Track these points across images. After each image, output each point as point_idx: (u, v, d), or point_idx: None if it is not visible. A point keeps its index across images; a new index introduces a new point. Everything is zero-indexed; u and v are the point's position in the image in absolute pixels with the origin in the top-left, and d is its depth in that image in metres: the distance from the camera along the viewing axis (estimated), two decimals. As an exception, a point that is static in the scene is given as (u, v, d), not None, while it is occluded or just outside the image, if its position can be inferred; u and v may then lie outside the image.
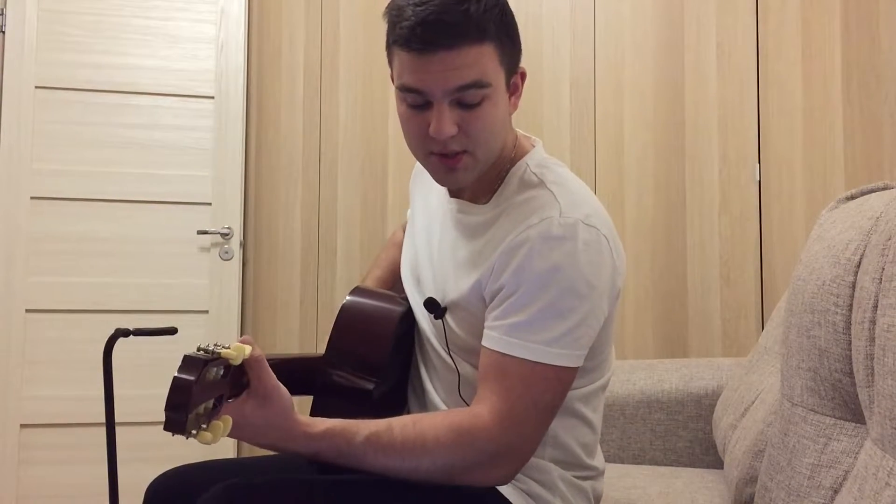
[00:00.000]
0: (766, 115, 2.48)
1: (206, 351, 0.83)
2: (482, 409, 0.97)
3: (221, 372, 0.85)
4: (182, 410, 0.78)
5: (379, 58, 2.71)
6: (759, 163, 2.47)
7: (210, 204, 2.61)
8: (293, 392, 1.08)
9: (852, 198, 1.05)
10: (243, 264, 2.69)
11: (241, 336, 2.62)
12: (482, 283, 1.04)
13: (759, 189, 2.47)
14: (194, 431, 0.82)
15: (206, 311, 2.59)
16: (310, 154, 2.74)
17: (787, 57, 2.47)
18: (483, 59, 0.98)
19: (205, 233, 2.59)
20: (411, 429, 0.96)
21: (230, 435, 0.92)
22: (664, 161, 2.54)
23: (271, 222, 2.74)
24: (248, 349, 0.89)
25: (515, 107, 1.09)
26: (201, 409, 0.82)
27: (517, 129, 1.15)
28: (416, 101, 1.01)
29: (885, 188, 1.01)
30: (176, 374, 0.79)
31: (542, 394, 0.98)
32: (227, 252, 2.61)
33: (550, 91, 2.60)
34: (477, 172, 1.06)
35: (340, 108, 2.74)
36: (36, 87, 2.53)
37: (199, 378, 0.79)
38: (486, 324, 1.02)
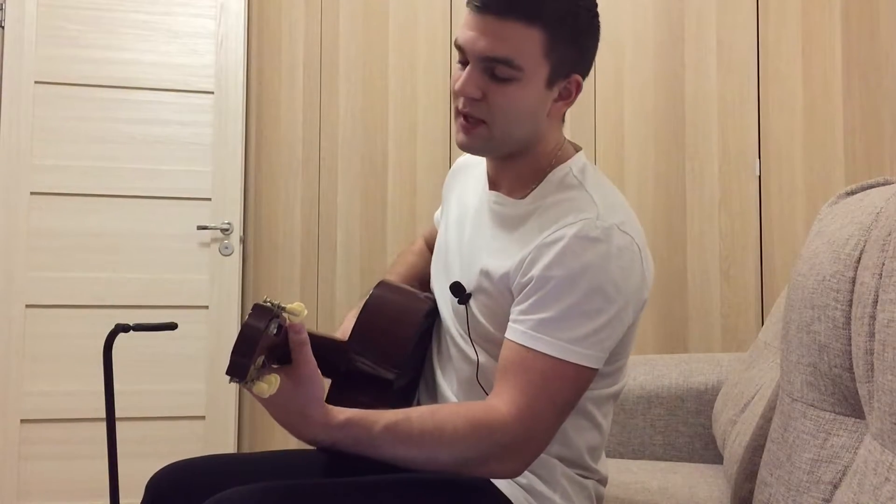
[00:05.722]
0: (767, 110, 2.47)
1: (272, 302, 0.86)
2: (500, 403, 0.97)
3: (275, 330, 0.87)
4: (248, 356, 0.81)
5: (379, 52, 2.71)
6: (760, 158, 2.47)
7: (210, 199, 2.61)
8: None
9: (852, 193, 1.05)
10: (243, 260, 2.69)
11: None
12: (511, 276, 1.04)
13: (760, 184, 2.47)
14: (252, 380, 0.84)
15: (206, 307, 2.59)
16: (310, 149, 2.74)
17: (787, 52, 2.47)
18: (524, 42, 1.00)
19: (205, 228, 2.59)
20: (429, 420, 0.96)
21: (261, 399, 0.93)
22: (664, 156, 2.54)
23: (271, 218, 2.74)
24: (305, 311, 0.91)
25: (560, 112, 1.09)
26: (258, 361, 0.85)
27: (566, 136, 1.16)
28: (461, 59, 1.05)
29: (885, 183, 1.01)
30: (247, 321, 0.82)
31: (561, 391, 0.99)
32: (226, 247, 2.61)
33: (550, 86, 2.60)
34: (491, 148, 1.08)
35: (340, 104, 2.74)
36: (35, 82, 2.53)
37: (266, 327, 0.83)
38: (511, 317, 1.03)
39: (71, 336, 2.51)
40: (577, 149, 1.16)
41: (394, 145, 2.70)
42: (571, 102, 1.09)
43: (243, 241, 2.69)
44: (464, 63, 1.05)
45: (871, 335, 0.77)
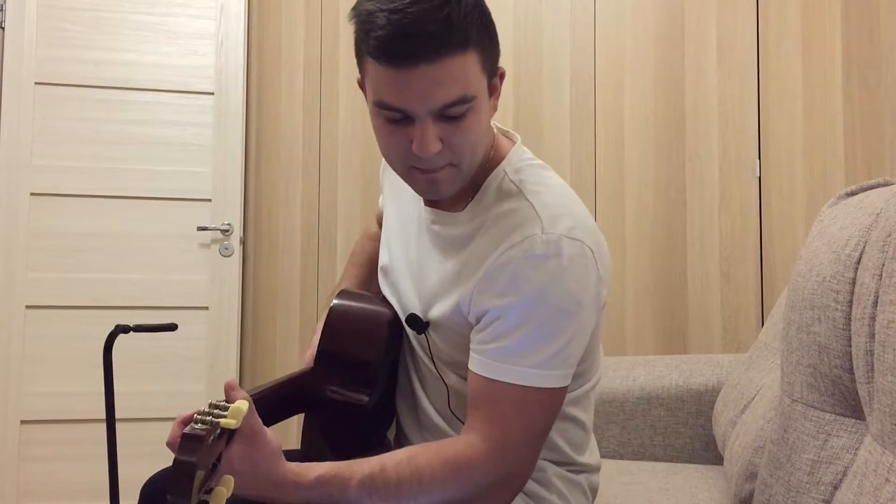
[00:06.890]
0: (767, 111, 2.47)
1: (203, 422, 0.77)
2: (476, 439, 0.94)
3: (217, 433, 0.79)
4: (185, 494, 0.73)
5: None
6: (760, 159, 2.47)
7: (210, 200, 2.61)
8: (289, 415, 1.05)
9: (852, 194, 1.05)
10: (243, 260, 2.69)
11: (239, 337, 2.62)
12: (462, 307, 1.01)
13: (759, 185, 2.47)
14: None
15: (207, 308, 2.59)
16: (310, 150, 2.74)
17: (787, 53, 2.47)
18: (467, 70, 0.91)
19: (205, 229, 2.59)
20: (406, 467, 0.91)
21: None
22: (664, 157, 2.54)
23: (271, 218, 2.74)
24: (245, 406, 0.82)
25: (495, 108, 1.03)
26: (202, 475, 0.77)
27: (494, 124, 1.09)
28: (395, 117, 0.93)
29: (885, 184, 1.01)
30: (176, 457, 0.73)
31: (535, 418, 0.96)
32: (227, 248, 2.61)
33: (550, 87, 2.60)
34: (460, 183, 1.01)
35: (340, 104, 2.74)
36: (35, 83, 2.53)
37: (200, 457, 0.74)
38: (471, 346, 0.99)
39: (71, 337, 2.51)
40: (512, 140, 1.09)
41: (394, 146, 2.69)
42: (500, 94, 1.02)
43: (243, 241, 2.69)
44: (399, 120, 0.93)
45: (872, 336, 0.77)
